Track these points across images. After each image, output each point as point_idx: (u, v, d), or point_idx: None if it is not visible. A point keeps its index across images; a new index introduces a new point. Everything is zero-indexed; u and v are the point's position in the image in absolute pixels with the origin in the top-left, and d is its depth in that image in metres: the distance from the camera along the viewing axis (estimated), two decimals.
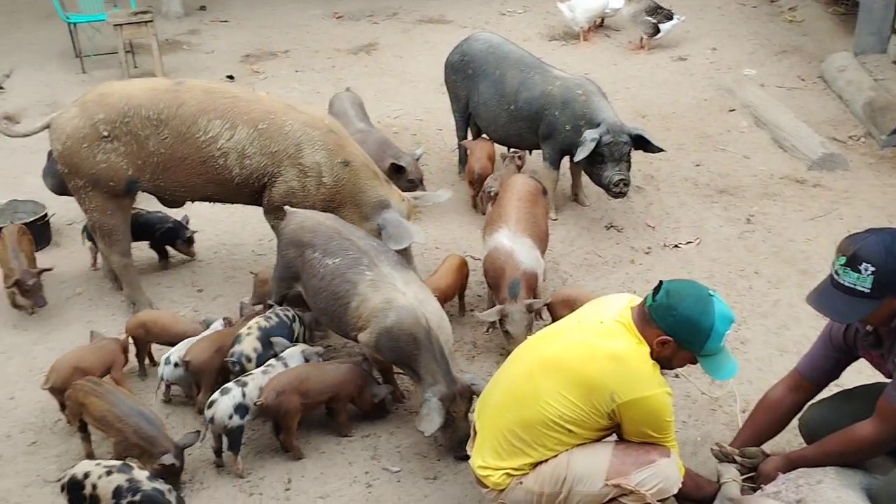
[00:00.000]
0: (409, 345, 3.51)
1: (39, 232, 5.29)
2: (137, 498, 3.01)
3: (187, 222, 5.11)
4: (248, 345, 3.77)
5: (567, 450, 2.86)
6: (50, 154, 4.58)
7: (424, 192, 4.93)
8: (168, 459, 3.25)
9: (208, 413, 3.46)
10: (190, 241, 5.06)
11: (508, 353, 3.90)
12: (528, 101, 5.49)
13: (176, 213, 5.04)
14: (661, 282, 2.80)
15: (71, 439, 3.70)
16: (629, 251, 5.19)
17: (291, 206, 4.17)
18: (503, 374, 3.10)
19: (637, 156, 5.50)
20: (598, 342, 2.80)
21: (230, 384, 3.55)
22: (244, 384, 3.54)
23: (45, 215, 5.36)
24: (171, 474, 3.29)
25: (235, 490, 3.45)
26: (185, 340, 3.92)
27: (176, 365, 3.82)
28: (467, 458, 3.15)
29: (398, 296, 3.62)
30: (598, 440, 2.91)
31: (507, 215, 4.34)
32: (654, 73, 8.23)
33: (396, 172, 5.37)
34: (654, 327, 2.76)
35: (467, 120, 6.12)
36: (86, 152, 4.18)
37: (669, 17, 8.75)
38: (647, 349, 2.76)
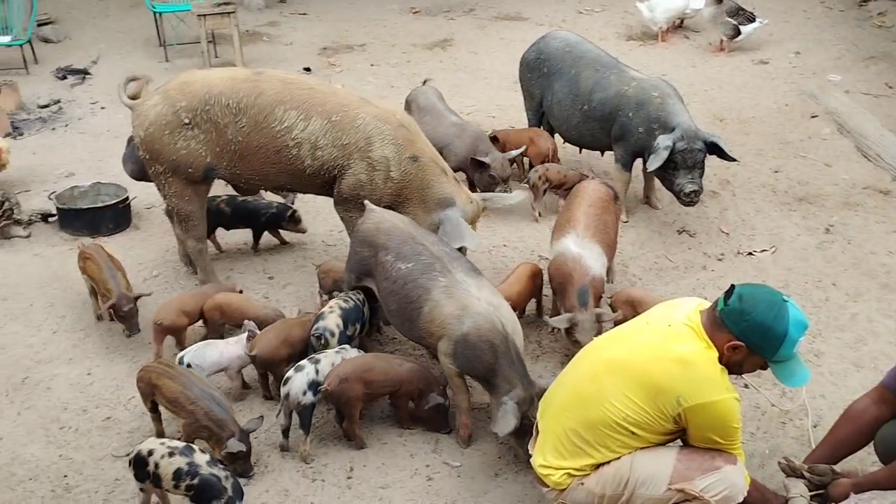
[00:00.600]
0: (486, 352, 3.48)
1: (121, 214, 5.48)
2: (195, 482, 3.07)
3: (292, 202, 5.20)
4: (332, 321, 3.87)
5: (630, 452, 2.83)
6: (130, 140, 4.71)
7: (495, 193, 4.87)
8: (234, 445, 3.32)
9: (283, 390, 3.54)
10: (295, 219, 5.13)
11: (573, 354, 3.91)
12: (601, 101, 5.43)
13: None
14: (732, 285, 2.75)
15: (143, 417, 3.81)
16: (701, 257, 5.09)
17: (359, 199, 4.22)
18: (567, 374, 3.08)
19: (713, 160, 5.38)
20: (665, 345, 2.76)
21: (304, 362, 3.63)
22: (317, 361, 3.62)
23: (127, 198, 5.52)
24: (239, 458, 3.37)
25: (298, 475, 3.50)
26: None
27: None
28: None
29: (473, 302, 3.59)
30: (662, 444, 2.87)
31: (576, 220, 4.26)
32: (734, 76, 8.05)
33: (478, 168, 5.37)
34: (725, 332, 2.70)
35: (540, 118, 6.09)
36: (167, 139, 4.29)
37: (751, 20, 8.55)
38: (715, 354, 2.71)
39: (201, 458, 3.14)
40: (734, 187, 5.92)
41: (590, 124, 5.55)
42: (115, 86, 4.79)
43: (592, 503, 2.87)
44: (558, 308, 4.19)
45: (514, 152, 5.61)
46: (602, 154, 5.93)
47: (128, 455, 3.26)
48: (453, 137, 5.50)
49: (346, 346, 3.83)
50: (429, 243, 3.86)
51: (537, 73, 5.88)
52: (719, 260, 5.05)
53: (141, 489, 3.21)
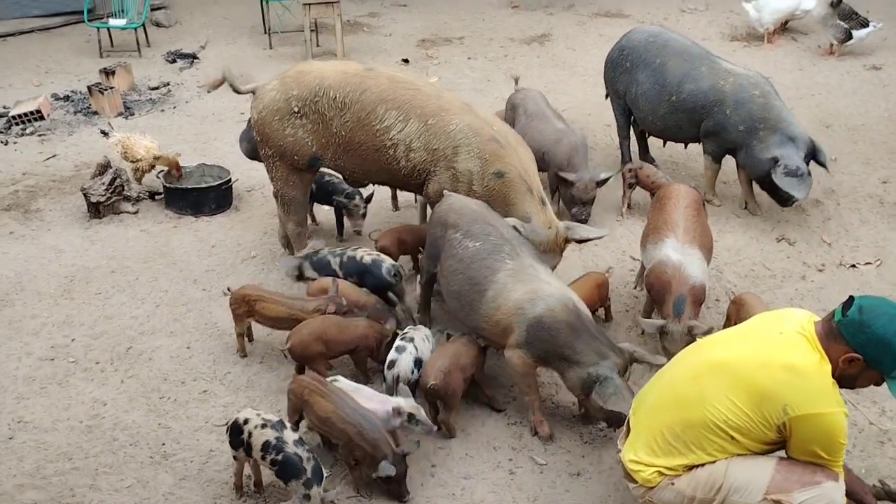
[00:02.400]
0: (562, 332, 3.46)
1: (223, 196, 5.67)
2: (279, 458, 3.16)
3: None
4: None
5: (726, 458, 2.78)
6: (249, 121, 4.86)
7: (579, 224, 4.64)
8: (385, 469, 3.22)
9: (391, 373, 3.65)
10: (349, 209, 5.10)
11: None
12: (692, 93, 5.36)
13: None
14: (851, 297, 2.66)
15: (238, 391, 3.96)
16: (800, 266, 4.94)
17: None
18: (666, 374, 3.05)
19: (819, 168, 5.25)
20: (776, 351, 2.70)
21: (401, 343, 3.72)
22: (411, 339, 3.74)
23: (230, 180, 5.71)
24: (392, 482, 3.30)
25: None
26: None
27: None
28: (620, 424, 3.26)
29: (543, 286, 3.59)
30: (761, 454, 2.80)
31: (675, 224, 4.13)
32: (844, 82, 7.76)
33: (563, 183, 5.22)
34: (841, 344, 2.63)
35: (629, 118, 5.99)
36: (277, 124, 4.42)
37: (865, 25, 8.22)
38: (828, 366, 2.64)
39: (290, 436, 3.22)
40: (839, 196, 5.72)
41: (677, 116, 5.48)
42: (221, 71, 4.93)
43: None
44: (657, 311, 4.10)
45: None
46: (686, 146, 5.85)
47: (225, 423, 3.38)
48: (552, 143, 5.29)
49: (420, 326, 3.95)
50: (500, 226, 3.88)
51: (620, 68, 5.82)
52: (819, 271, 4.90)
53: (234, 457, 3.33)
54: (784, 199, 5.19)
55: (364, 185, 4.85)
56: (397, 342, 3.77)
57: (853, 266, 4.93)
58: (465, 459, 3.58)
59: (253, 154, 4.96)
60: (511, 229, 3.92)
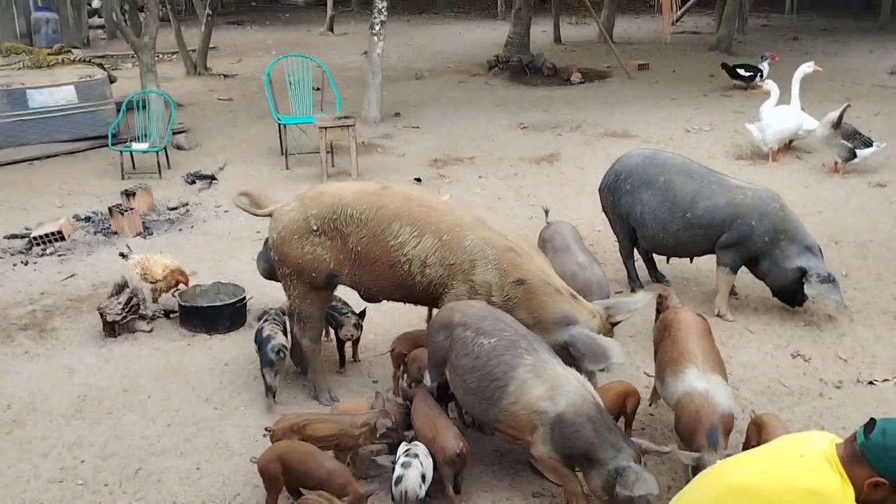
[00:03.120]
0: (585, 426, 3.49)
1: (237, 313, 5.72)
2: None
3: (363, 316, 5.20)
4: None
5: None
6: (266, 241, 4.96)
7: (618, 299, 4.67)
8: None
9: (399, 489, 3.59)
10: (339, 322, 5.08)
11: (680, 477, 3.77)
12: (709, 209, 5.54)
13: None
14: (872, 419, 2.62)
15: None
16: (817, 383, 4.88)
17: None
18: (683, 497, 2.97)
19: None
20: (798, 475, 2.63)
21: (406, 458, 3.69)
22: (416, 455, 3.70)
23: (244, 298, 5.77)
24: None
25: None
26: None
27: None
28: None
29: (563, 380, 3.62)
30: None
31: (692, 353, 4.00)
32: (850, 199, 7.88)
33: None
34: (865, 468, 2.56)
35: (633, 239, 6.09)
36: (296, 243, 4.51)
37: (868, 144, 8.42)
38: (851, 491, 2.57)
39: None
40: (852, 312, 5.71)
41: (692, 231, 5.63)
42: (241, 190, 5.08)
43: None
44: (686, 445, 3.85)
45: (620, 316, 4.64)
46: (691, 261, 6.00)
47: None
48: (569, 277, 4.90)
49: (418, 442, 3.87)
50: (510, 321, 3.92)
51: (619, 192, 5.95)
52: (837, 388, 4.84)
53: None
54: (798, 301, 5.52)
55: (378, 302, 4.84)
56: (402, 458, 3.72)
57: (871, 383, 4.87)
58: None
59: (270, 274, 5.04)
60: (518, 324, 3.96)
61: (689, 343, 4.09)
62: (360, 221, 4.40)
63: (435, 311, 4.31)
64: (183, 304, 5.74)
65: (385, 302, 4.81)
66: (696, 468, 3.68)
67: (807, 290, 5.35)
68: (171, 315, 5.87)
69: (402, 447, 3.83)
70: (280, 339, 4.75)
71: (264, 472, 3.75)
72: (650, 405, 4.63)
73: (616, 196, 5.99)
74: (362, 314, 5.16)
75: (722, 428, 3.72)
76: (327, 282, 4.59)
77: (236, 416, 4.70)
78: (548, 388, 3.60)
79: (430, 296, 4.48)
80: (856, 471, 2.57)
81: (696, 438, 3.72)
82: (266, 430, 4.12)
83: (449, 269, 4.33)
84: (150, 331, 5.68)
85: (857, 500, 2.57)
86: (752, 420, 3.98)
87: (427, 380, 4.23)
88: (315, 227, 4.46)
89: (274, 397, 4.72)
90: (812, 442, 2.74)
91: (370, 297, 4.71)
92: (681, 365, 3.99)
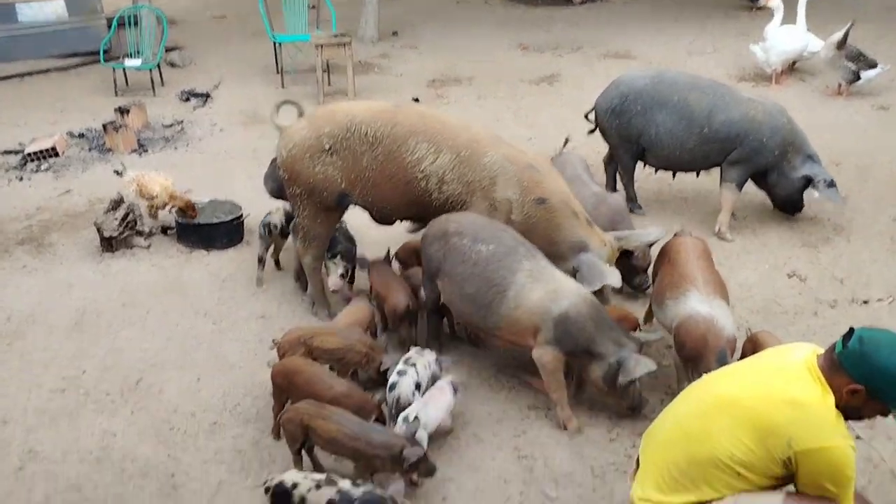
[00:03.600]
0: (587, 325, 3.68)
1: (234, 231, 5.71)
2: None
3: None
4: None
5: (733, 494, 2.74)
6: (273, 160, 4.90)
7: (631, 231, 4.63)
8: (413, 454, 3.25)
9: (392, 395, 3.68)
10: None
11: (674, 391, 3.83)
12: (725, 123, 5.55)
13: None
14: (851, 328, 2.66)
15: (248, 423, 3.95)
16: (812, 302, 4.92)
17: None
18: (673, 409, 3.02)
19: (828, 205, 5.36)
20: (778, 385, 2.68)
21: (402, 366, 3.77)
22: (413, 364, 3.78)
23: (241, 216, 5.75)
24: (421, 462, 3.29)
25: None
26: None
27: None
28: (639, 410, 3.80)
29: (563, 283, 3.79)
30: (768, 489, 2.77)
31: (693, 276, 3.98)
32: (853, 121, 7.80)
33: (623, 255, 4.73)
34: (843, 375, 2.61)
35: (636, 160, 6.03)
36: (307, 162, 4.44)
37: (872, 66, 8.28)
38: (831, 398, 2.62)
39: (346, 484, 3.12)
40: (849, 234, 5.72)
41: (709, 146, 5.65)
42: (235, 109, 5.02)
43: None
44: (687, 374, 3.86)
45: (654, 234, 4.72)
46: (697, 175, 6.05)
47: (264, 485, 3.24)
48: (592, 209, 4.86)
49: (425, 351, 3.94)
50: (506, 228, 4.01)
51: (629, 113, 5.82)
52: (832, 307, 4.88)
53: None
54: (798, 208, 5.79)
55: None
56: (399, 366, 3.80)
57: (865, 302, 4.90)
58: (475, 494, 3.54)
59: (278, 193, 4.99)
60: (516, 233, 4.03)
61: (690, 265, 4.08)
62: (375, 140, 4.33)
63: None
64: (180, 221, 5.72)
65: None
66: None
67: (816, 195, 5.56)
68: (169, 231, 5.86)
69: (402, 357, 3.89)
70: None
71: (273, 381, 3.78)
72: (644, 325, 4.67)
73: (624, 119, 5.87)
74: (353, 265, 4.86)
75: (728, 351, 3.74)
76: (338, 202, 4.54)
77: (234, 330, 4.73)
78: (548, 290, 3.73)
79: (445, 213, 4.39)
80: (835, 379, 2.62)
81: (705, 362, 3.71)
82: (273, 342, 4.14)
83: (467, 185, 4.28)
84: (148, 247, 5.68)
85: (838, 406, 2.62)
86: (748, 337, 4.02)
87: (426, 298, 4.29)
88: (328, 146, 4.39)
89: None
90: (794, 353, 2.79)
91: (383, 217, 4.65)
92: (682, 288, 3.97)
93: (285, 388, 3.74)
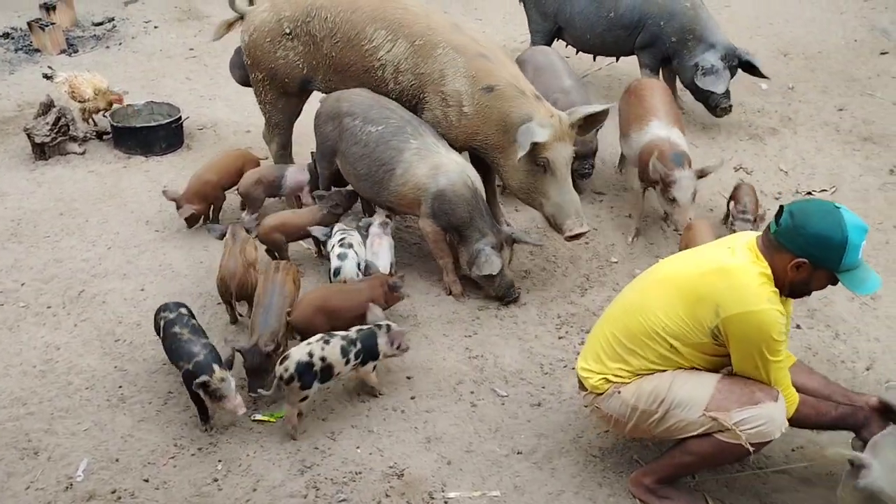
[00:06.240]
0: (460, 206, 3.91)
1: (174, 134, 5.51)
2: (360, 344, 3.35)
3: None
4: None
5: (670, 370, 2.82)
6: (238, 49, 4.70)
7: (582, 106, 4.29)
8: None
9: (338, 280, 3.84)
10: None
11: (619, 287, 3.87)
12: (629, 7, 5.51)
13: None
14: (781, 206, 2.68)
15: None
16: (758, 195, 4.95)
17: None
18: (622, 294, 3.09)
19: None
20: (711, 257, 2.79)
21: (341, 250, 3.88)
22: (350, 245, 3.91)
23: (180, 118, 5.54)
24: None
25: (344, 398, 3.55)
26: None
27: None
28: (515, 300, 4.03)
29: (445, 161, 3.96)
30: (709, 369, 2.84)
31: (655, 108, 4.45)
32: (802, 10, 7.72)
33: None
34: (784, 252, 2.65)
35: (551, 38, 6.03)
36: (268, 46, 4.38)
37: None
38: (761, 267, 2.67)
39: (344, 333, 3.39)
40: (795, 125, 5.74)
41: (615, 32, 5.63)
42: (167, 6, 4.76)
43: (625, 414, 2.89)
44: (660, 203, 4.39)
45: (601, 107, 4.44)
46: (617, 60, 6.07)
47: (275, 376, 3.25)
48: (553, 102, 4.41)
49: (353, 231, 4.03)
50: (395, 107, 4.13)
51: None
52: (776, 199, 4.93)
53: (302, 399, 3.25)
54: (713, 107, 5.41)
55: None
56: (338, 250, 3.88)
57: (809, 193, 4.97)
58: (427, 393, 3.58)
59: (246, 80, 4.81)
60: (405, 111, 4.14)
61: (653, 101, 4.49)
62: (335, 25, 4.23)
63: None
64: (116, 124, 5.49)
65: None
66: (666, 187, 4.17)
67: (696, 82, 5.32)
68: (105, 136, 5.63)
69: (338, 237, 3.93)
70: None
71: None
72: (619, 171, 5.02)
73: None
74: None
75: (684, 159, 4.18)
76: (301, 87, 4.50)
77: (178, 238, 4.63)
78: (430, 167, 3.95)
79: (406, 106, 4.26)
80: (777, 258, 2.67)
81: (663, 161, 4.13)
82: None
83: (419, 78, 4.18)
84: (83, 153, 5.46)
85: (784, 285, 2.68)
86: (686, 225, 4.07)
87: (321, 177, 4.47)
88: (287, 31, 4.30)
89: None
90: (738, 238, 2.86)
91: None
92: (644, 120, 4.41)
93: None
